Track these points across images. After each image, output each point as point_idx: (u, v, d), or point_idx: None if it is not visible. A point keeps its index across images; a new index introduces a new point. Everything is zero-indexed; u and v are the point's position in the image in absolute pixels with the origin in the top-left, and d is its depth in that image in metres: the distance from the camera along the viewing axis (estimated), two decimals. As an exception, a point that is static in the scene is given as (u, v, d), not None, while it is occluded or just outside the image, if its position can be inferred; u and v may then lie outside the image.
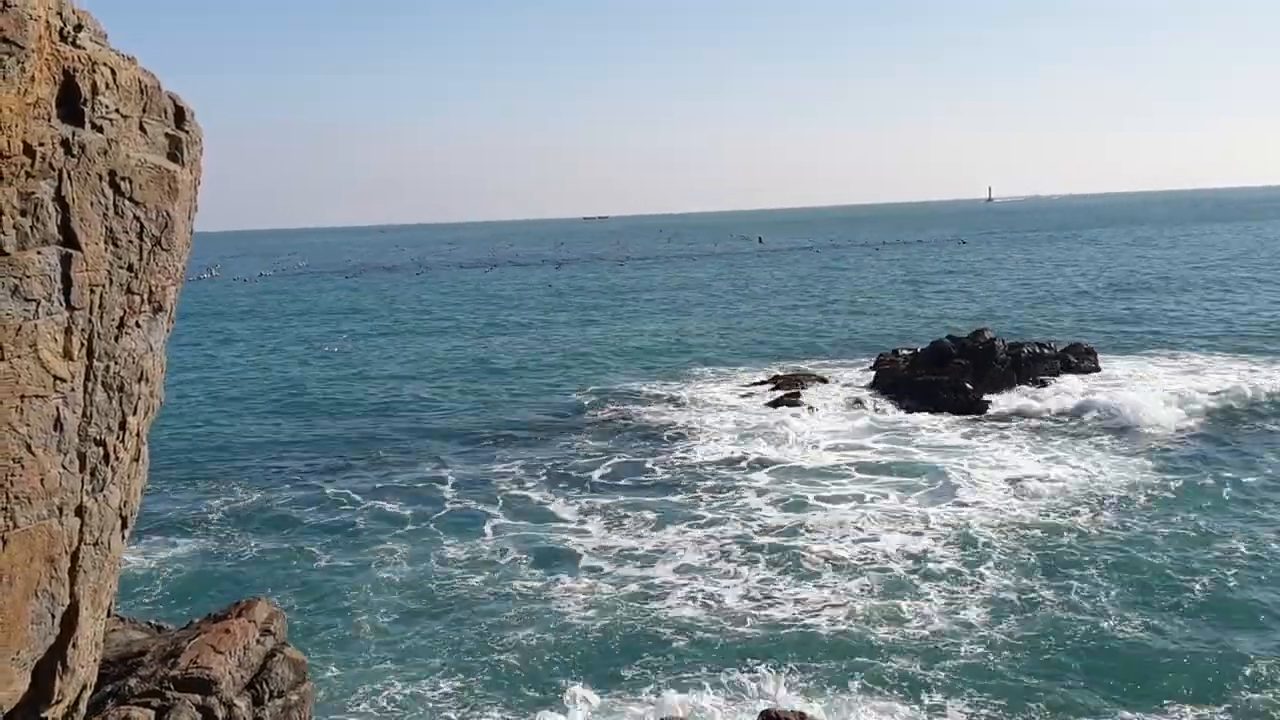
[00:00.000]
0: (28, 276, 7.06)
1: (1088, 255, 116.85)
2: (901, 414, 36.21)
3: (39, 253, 7.15)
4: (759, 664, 17.18)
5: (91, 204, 7.56)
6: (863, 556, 22.05)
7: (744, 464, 30.07)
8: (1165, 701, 15.56)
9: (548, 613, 19.68)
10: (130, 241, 8.08)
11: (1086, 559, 21.36)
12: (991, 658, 17.13)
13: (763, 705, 15.02)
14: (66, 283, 7.42)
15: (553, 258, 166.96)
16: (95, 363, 7.91)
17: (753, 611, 19.36)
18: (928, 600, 19.60)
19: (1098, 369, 41.08)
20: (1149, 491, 25.82)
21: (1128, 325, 56.69)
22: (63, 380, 7.53)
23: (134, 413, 8.51)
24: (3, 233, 6.84)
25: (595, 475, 29.59)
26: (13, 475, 7.18)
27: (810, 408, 36.43)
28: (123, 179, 7.86)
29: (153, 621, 13.67)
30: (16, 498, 7.24)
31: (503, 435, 35.35)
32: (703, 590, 20.52)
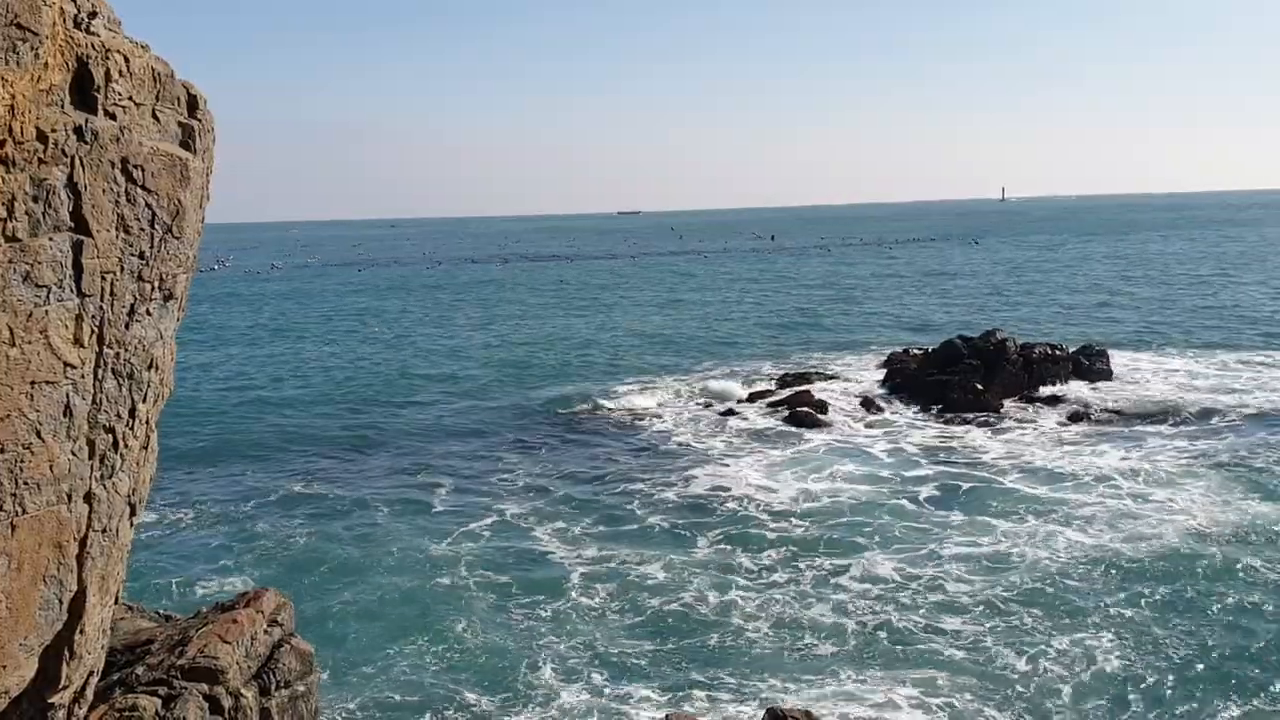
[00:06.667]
0: (39, 263, 7.06)
1: (1103, 254, 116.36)
2: (919, 417, 36.08)
3: (50, 239, 7.15)
4: (767, 666, 17.16)
5: (103, 191, 7.56)
6: (874, 568, 21.98)
7: (749, 466, 29.99)
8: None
9: (551, 610, 19.67)
10: (142, 229, 8.07)
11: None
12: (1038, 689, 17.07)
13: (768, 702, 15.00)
14: (78, 269, 7.41)
15: (567, 254, 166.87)
16: (106, 350, 7.91)
17: (765, 616, 19.30)
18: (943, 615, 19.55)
19: (1110, 371, 40.80)
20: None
21: (1133, 323, 56.47)
22: (73, 367, 7.53)
23: (144, 400, 8.51)
24: (15, 219, 6.84)
25: (600, 476, 29.55)
26: (22, 461, 7.19)
27: (824, 407, 36.31)
28: (135, 166, 7.84)
29: (160, 610, 13.70)
30: (25, 483, 7.25)
31: (509, 437, 35.25)
32: (708, 593, 20.47)
